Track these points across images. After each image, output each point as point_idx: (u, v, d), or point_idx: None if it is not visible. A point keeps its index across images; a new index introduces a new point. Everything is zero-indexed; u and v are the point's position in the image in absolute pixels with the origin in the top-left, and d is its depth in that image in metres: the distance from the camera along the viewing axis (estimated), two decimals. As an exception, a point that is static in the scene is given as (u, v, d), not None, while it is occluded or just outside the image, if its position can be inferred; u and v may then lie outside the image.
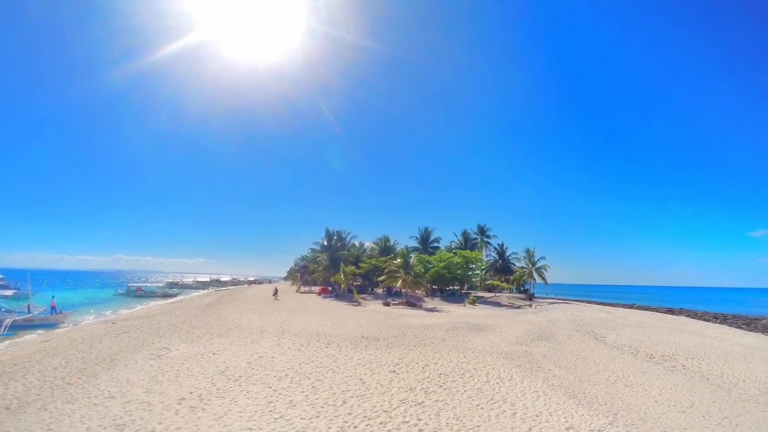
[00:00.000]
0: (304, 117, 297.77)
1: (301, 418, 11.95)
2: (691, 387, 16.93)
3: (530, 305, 59.75)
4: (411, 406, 13.30)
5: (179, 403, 12.93)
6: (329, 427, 11.42)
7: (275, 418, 11.90)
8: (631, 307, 68.18)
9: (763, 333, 37.97)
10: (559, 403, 14.03)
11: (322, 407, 12.90)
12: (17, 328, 32.16)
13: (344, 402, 13.44)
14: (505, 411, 13.08)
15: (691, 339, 28.98)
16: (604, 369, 19.55)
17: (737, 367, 20.65)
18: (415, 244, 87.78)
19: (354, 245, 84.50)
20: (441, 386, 15.55)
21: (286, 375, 16.51)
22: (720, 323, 45.82)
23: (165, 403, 12.98)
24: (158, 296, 75.12)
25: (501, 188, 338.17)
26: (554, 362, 20.57)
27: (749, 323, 46.62)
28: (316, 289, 79.46)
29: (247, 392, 14.16)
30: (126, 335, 25.45)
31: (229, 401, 13.21)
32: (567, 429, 11.88)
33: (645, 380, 17.67)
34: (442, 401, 13.79)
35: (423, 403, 13.58)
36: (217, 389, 14.42)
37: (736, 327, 42.15)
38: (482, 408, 13.28)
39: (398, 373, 17.30)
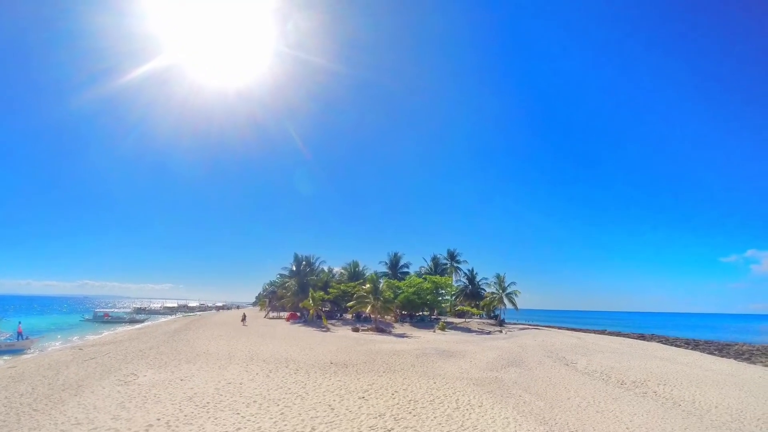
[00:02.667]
0: (273, 141, 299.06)
1: (268, 445, 11.86)
2: (662, 413, 17.25)
3: (500, 331, 60.07)
4: (380, 432, 13.33)
5: (146, 430, 12.70)
6: (296, 454, 11.36)
7: (242, 445, 11.79)
8: (603, 332, 69.14)
9: (735, 359, 38.89)
10: (530, 429, 14.21)
11: (290, 434, 12.82)
12: (-16, 353, 31.04)
13: (313, 429, 13.38)
14: (472, 437, 13.20)
15: (662, 365, 29.62)
16: (575, 395, 19.83)
17: (709, 394, 21.13)
18: (385, 269, 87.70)
19: (323, 270, 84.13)
20: (410, 413, 15.61)
21: (255, 401, 16.33)
22: (692, 349, 46.71)
23: (132, 429, 12.74)
24: (125, 322, 72.93)
25: (471, 213, 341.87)
26: (525, 388, 20.81)
27: (721, 349, 47.68)
28: (285, 314, 78.53)
29: (215, 419, 13.98)
30: (93, 361, 24.74)
31: (197, 428, 13.02)
32: (531, 454, 12.06)
33: (616, 407, 17.96)
34: (411, 428, 13.86)
35: (392, 429, 13.62)
36: (185, 416, 14.18)
37: (708, 353, 43.07)
38: (450, 434, 13.38)
39: (367, 400, 17.29)
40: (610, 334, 66.79)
